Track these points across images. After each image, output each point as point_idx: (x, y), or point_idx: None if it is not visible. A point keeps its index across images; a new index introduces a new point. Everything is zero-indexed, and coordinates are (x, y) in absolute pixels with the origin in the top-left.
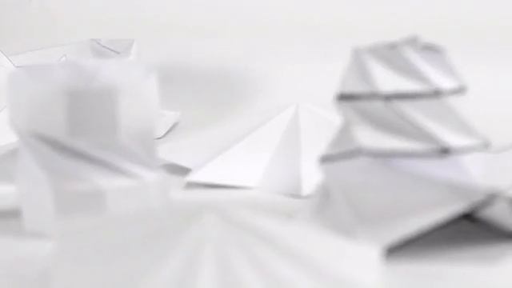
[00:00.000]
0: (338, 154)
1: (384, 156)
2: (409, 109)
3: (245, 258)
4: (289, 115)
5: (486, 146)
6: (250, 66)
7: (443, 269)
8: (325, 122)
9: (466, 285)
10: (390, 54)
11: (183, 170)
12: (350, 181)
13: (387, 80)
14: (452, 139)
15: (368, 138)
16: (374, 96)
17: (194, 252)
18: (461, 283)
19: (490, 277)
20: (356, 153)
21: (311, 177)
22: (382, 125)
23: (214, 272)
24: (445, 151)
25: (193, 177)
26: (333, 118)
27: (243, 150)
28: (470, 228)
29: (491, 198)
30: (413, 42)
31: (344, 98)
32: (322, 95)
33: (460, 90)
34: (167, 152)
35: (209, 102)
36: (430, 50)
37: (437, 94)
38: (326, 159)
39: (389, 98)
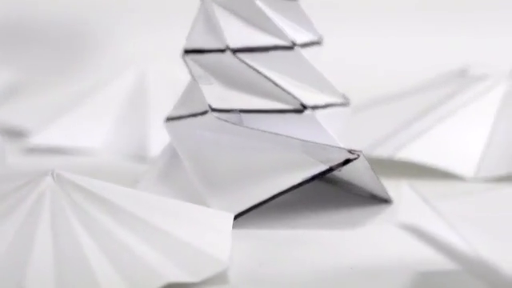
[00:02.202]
0: (186, 113)
1: (235, 114)
2: (261, 63)
3: (83, 225)
4: (135, 73)
5: (344, 103)
6: (94, 21)
7: (300, 233)
8: (175, 79)
9: (324, 249)
10: (240, 4)
11: (21, 134)
12: (199, 142)
13: (237, 33)
14: (308, 96)
15: (217, 95)
16: (222, 50)
17: (31, 219)
18: (319, 248)
19: (348, 240)
20: (205, 111)
21: (159, 138)
22: (232, 81)
23: (50, 240)
24: (301, 109)
25: (32, 140)
26: (183, 75)
27: (87, 111)
28: (328, 190)
29: (350, 159)
30: None
31: (191, 52)
32: (172, 51)
33: (316, 44)
34: (4, 114)
35: (49, 61)
36: (284, 0)
37: (291, 47)
38: (173, 119)
39: (238, 51)
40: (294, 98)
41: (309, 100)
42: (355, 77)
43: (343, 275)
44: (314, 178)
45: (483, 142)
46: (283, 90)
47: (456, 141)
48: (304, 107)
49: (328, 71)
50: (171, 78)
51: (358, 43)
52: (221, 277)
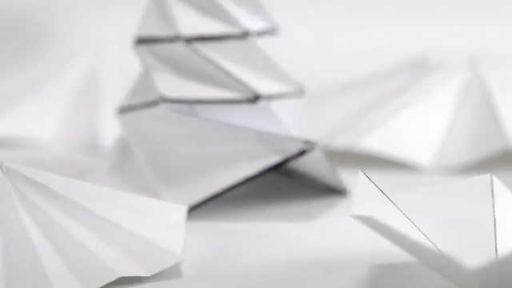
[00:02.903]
0: (138, 104)
1: (188, 105)
2: (214, 52)
3: (33, 219)
4: (87, 62)
5: (299, 92)
6: (44, 10)
7: (254, 226)
8: (127, 68)
9: (280, 242)
10: None
11: None
12: (151, 133)
13: (190, 21)
14: (262, 85)
15: (169, 85)
16: (174, 39)
17: None
18: (274, 240)
19: (304, 233)
20: (157, 102)
21: (111, 128)
22: (184, 71)
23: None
24: (255, 98)
25: None
26: (135, 64)
27: (37, 102)
28: (283, 183)
29: (305, 150)
30: None
31: (143, 41)
32: (124, 40)
33: (270, 32)
34: None
35: None
36: None
37: (244, 36)
38: (124, 109)
39: (191, 40)
40: (248, 87)
41: (263, 90)
42: (312, 64)
43: (299, 268)
44: (269, 169)
45: (442, 131)
46: (237, 79)
47: (415, 131)
48: (258, 97)
49: (285, 59)
50: (123, 68)
51: (316, 30)
52: (174, 270)
